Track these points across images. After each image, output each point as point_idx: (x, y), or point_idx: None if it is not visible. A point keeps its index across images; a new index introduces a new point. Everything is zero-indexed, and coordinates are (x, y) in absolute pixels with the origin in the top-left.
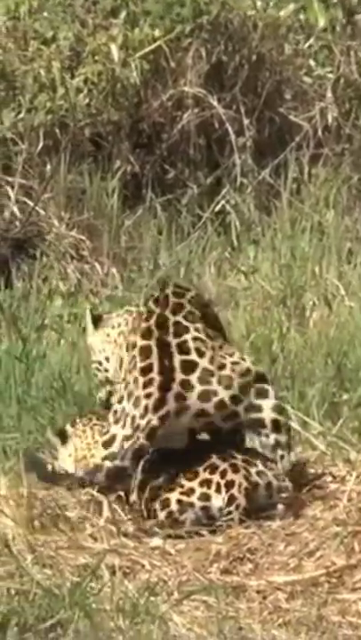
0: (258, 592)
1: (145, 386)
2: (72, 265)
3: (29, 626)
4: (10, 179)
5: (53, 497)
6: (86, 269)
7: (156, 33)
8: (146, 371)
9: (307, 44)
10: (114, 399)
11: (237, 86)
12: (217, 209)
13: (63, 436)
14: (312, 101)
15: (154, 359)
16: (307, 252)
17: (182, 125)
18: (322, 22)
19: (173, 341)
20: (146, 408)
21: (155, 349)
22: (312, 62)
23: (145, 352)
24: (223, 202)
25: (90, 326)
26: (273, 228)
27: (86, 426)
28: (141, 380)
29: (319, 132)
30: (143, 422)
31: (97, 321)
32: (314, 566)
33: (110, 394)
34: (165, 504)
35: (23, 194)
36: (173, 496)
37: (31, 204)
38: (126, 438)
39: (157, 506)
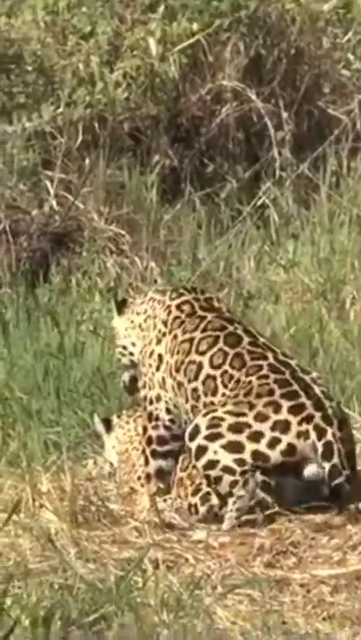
0: (302, 586)
1: (296, 411)
2: (111, 259)
3: (73, 620)
4: (49, 173)
5: (96, 491)
6: (126, 263)
7: (195, 27)
8: (291, 397)
9: (345, 38)
10: (140, 383)
11: (276, 80)
12: (256, 203)
13: (108, 425)
14: (351, 94)
15: (297, 388)
16: (346, 245)
17: (221, 119)
18: None
19: (306, 377)
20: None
21: (293, 381)
22: (350, 56)
23: (283, 382)
24: (262, 196)
25: (114, 311)
26: (312, 221)
27: (130, 417)
28: (286, 404)
29: (358, 125)
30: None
31: (121, 306)
32: (358, 559)
33: (135, 378)
34: (206, 498)
35: (63, 188)
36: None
37: (71, 198)
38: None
39: (198, 500)
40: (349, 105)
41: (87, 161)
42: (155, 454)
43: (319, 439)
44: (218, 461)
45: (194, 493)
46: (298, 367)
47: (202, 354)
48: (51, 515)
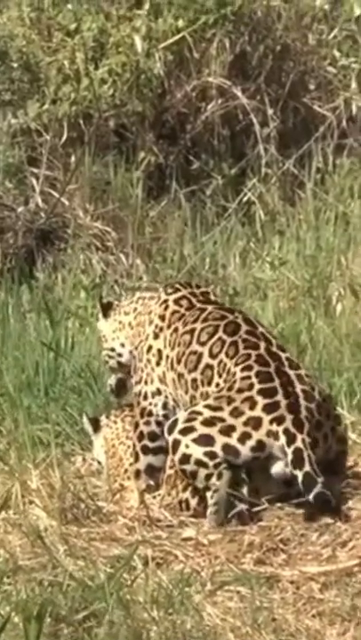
0: (291, 582)
1: (270, 409)
2: (97, 256)
3: (63, 617)
4: (35, 170)
5: (85, 488)
6: (111, 260)
7: (180, 24)
8: (268, 394)
9: (331, 35)
10: (135, 379)
11: (261, 76)
12: (242, 200)
13: (96, 425)
14: (336, 91)
15: (277, 384)
16: (331, 242)
17: (206, 116)
18: (358, 12)
19: (291, 372)
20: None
21: (275, 376)
22: (336, 52)
23: (265, 376)
24: (248, 192)
25: (100, 314)
26: (298, 218)
27: (118, 417)
28: (262, 402)
29: (343, 123)
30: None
31: (107, 309)
32: (347, 556)
33: (122, 380)
34: (196, 492)
35: (48, 185)
36: None
37: (56, 195)
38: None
39: (189, 495)
40: (335, 102)
41: (73, 158)
42: (145, 450)
43: (288, 445)
44: (190, 455)
45: (185, 489)
46: (288, 361)
47: (202, 344)
48: (40, 511)
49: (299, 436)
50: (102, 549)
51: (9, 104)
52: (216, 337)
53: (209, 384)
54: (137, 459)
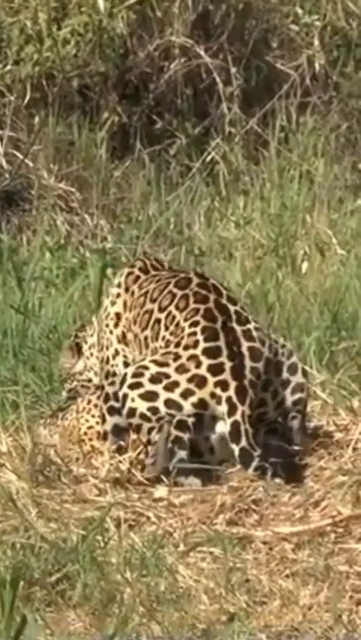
0: (264, 543)
1: (214, 371)
2: (61, 217)
3: (36, 580)
4: None
5: (56, 450)
6: (76, 221)
7: None
8: (212, 354)
9: None
10: (97, 348)
11: (224, 35)
12: (206, 159)
13: None
14: (299, 49)
15: (221, 343)
16: (296, 200)
17: (169, 75)
18: None
19: (239, 328)
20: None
21: (221, 334)
22: (299, 10)
23: (210, 333)
24: (212, 152)
25: (69, 354)
26: (262, 177)
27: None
28: (206, 362)
29: (307, 81)
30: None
31: (79, 349)
32: (320, 516)
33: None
34: None
35: (12, 146)
36: None
37: (20, 156)
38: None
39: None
40: (298, 60)
41: (36, 119)
42: (111, 411)
43: (229, 415)
44: (136, 409)
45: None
46: (236, 314)
47: (153, 301)
48: (11, 474)
49: (239, 409)
50: (74, 511)
51: None
52: (166, 291)
53: (157, 339)
54: (104, 420)
